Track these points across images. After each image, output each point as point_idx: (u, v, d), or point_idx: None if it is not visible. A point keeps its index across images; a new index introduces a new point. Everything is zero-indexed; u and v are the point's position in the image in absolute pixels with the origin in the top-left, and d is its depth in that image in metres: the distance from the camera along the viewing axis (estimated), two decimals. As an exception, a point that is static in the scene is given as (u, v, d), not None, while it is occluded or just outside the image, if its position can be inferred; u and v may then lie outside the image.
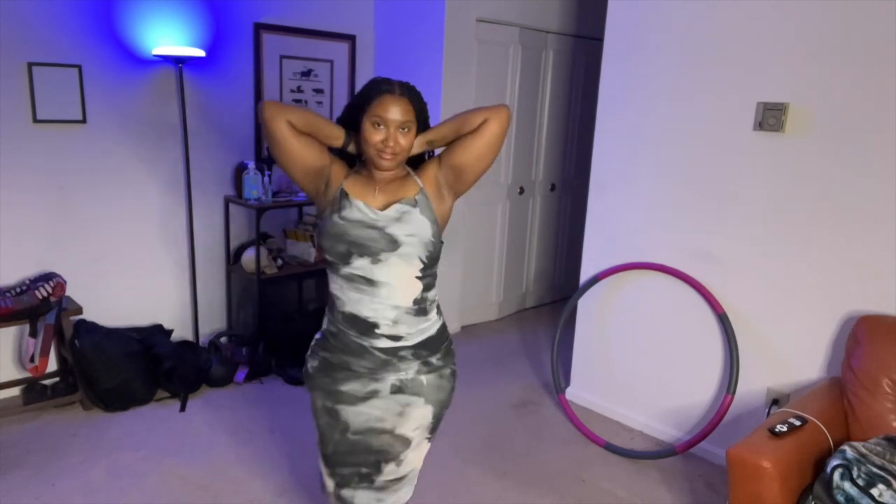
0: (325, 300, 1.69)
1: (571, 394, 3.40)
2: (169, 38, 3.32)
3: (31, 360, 2.99)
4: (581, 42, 4.59)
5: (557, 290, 5.05)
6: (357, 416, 1.62)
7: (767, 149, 2.59)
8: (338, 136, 1.60)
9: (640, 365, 3.11)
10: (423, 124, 1.59)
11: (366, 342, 1.58)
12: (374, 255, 1.53)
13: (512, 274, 4.66)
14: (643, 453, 2.90)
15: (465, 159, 1.59)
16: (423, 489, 2.32)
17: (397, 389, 1.61)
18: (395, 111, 1.50)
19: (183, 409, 3.15)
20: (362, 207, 1.54)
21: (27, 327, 2.99)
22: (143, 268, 3.48)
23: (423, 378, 1.63)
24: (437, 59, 3.79)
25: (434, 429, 1.70)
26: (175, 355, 3.25)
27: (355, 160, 1.65)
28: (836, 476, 1.80)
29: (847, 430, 2.19)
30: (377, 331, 1.57)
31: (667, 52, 2.85)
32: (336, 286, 1.60)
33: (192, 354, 3.35)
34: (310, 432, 2.94)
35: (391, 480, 1.68)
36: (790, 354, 2.62)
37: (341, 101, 4.10)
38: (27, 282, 3.00)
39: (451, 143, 1.61)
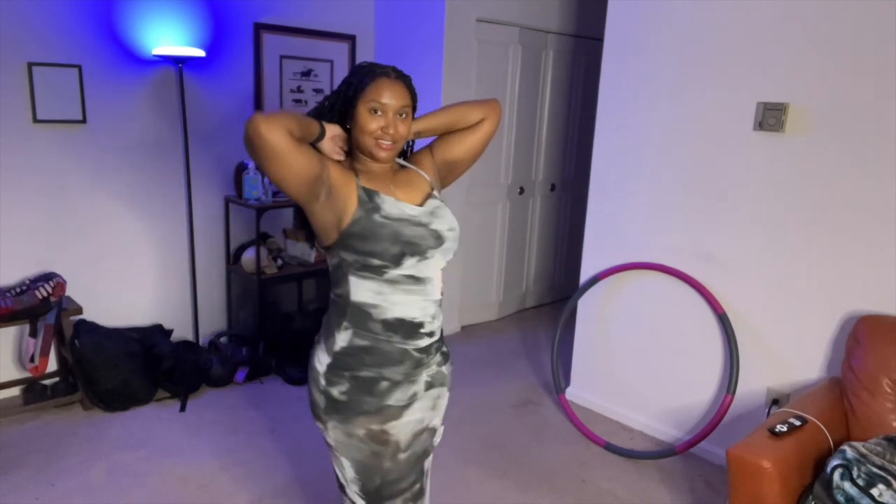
0: (330, 323, 1.51)
1: (571, 394, 3.40)
2: (169, 38, 3.32)
3: (31, 360, 2.99)
4: (581, 42, 4.59)
5: (557, 290, 5.05)
6: (405, 428, 1.52)
7: (767, 149, 2.59)
8: (314, 131, 1.40)
9: (640, 365, 3.11)
10: (414, 112, 1.52)
11: (408, 345, 1.49)
12: (422, 253, 1.45)
13: (512, 274, 4.66)
14: (643, 453, 2.90)
15: (461, 155, 1.58)
16: (423, 489, 2.32)
17: (429, 385, 1.56)
18: (394, 95, 1.41)
19: (183, 409, 3.15)
20: (397, 204, 1.45)
21: (27, 327, 2.99)
22: (143, 268, 3.48)
23: (444, 368, 1.61)
24: (437, 59, 3.80)
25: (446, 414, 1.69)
26: (175, 355, 3.25)
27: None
28: (836, 476, 1.80)
29: (847, 430, 2.19)
30: (421, 330, 1.50)
31: (667, 52, 2.85)
32: (368, 293, 1.45)
33: (192, 354, 3.35)
34: (310, 432, 2.96)
35: (427, 479, 1.64)
36: (790, 354, 2.62)
37: (341, 101, 4.10)
38: (27, 282, 3.00)
39: (441, 137, 1.59)
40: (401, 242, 1.41)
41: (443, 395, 1.61)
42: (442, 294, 1.57)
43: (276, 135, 1.25)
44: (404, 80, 1.46)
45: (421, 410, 1.54)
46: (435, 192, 1.55)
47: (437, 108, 1.59)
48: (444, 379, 1.61)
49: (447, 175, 1.63)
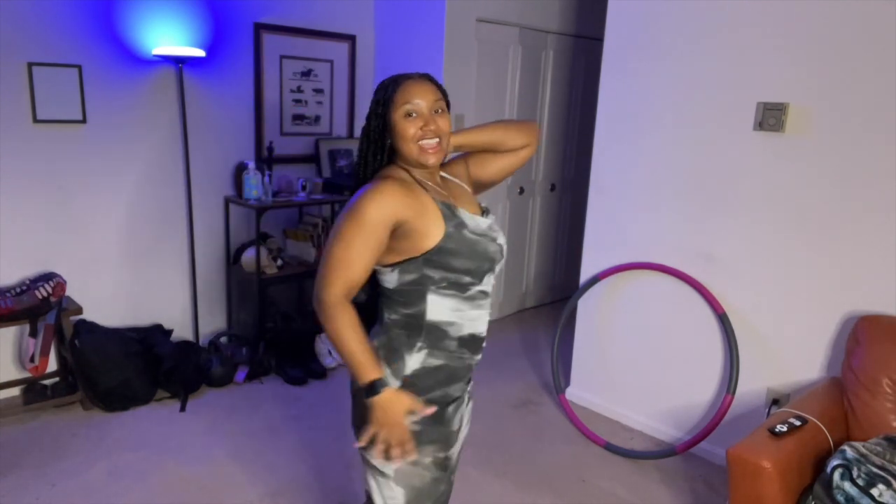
0: (398, 343, 1.41)
1: (571, 394, 3.40)
2: (169, 38, 3.32)
3: (31, 360, 2.99)
4: (581, 42, 4.59)
5: (557, 290, 5.05)
6: (457, 448, 1.52)
7: (767, 149, 2.59)
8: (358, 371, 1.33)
9: (640, 365, 3.11)
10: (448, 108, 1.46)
11: (473, 360, 1.49)
12: (493, 269, 1.43)
13: (512, 274, 4.66)
14: (643, 453, 2.90)
15: (496, 177, 1.56)
16: (423, 489, 2.32)
17: (469, 398, 1.57)
18: (423, 93, 1.37)
19: (183, 409, 3.15)
20: (473, 218, 1.41)
21: (27, 327, 2.99)
22: (143, 268, 3.48)
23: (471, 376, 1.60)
24: (437, 59, 3.79)
25: None
26: (175, 355, 3.25)
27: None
28: (836, 476, 1.80)
29: (847, 430, 2.19)
30: (483, 344, 1.49)
31: (667, 52, 2.85)
32: (447, 311, 1.39)
33: (192, 354, 3.35)
34: (310, 432, 2.96)
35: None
36: (790, 354, 2.62)
37: (341, 101, 4.10)
38: (27, 282, 3.00)
39: (479, 153, 1.55)
40: (487, 259, 1.39)
41: (470, 405, 1.61)
42: None
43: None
44: (429, 78, 1.42)
45: (464, 424, 1.56)
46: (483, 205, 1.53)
47: (480, 125, 1.56)
48: (471, 389, 1.60)
49: (476, 190, 1.59)
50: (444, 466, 1.47)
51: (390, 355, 1.40)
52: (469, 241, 1.36)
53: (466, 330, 1.42)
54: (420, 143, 1.35)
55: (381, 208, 1.29)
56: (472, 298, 1.41)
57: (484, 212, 1.50)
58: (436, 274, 1.35)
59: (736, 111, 2.65)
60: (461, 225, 1.36)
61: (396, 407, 1.31)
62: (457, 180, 1.52)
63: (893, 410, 2.13)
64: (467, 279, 1.38)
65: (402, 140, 1.36)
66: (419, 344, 1.40)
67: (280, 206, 3.59)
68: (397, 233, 1.32)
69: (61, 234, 3.19)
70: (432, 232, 1.33)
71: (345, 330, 1.29)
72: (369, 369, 1.30)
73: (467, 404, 1.55)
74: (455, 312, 1.40)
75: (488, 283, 1.44)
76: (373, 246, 1.30)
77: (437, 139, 1.37)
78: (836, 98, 2.40)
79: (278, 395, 3.35)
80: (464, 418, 1.54)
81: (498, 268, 1.46)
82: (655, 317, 3.02)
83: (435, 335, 1.40)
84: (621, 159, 3.07)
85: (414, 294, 1.38)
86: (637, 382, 3.13)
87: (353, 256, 1.30)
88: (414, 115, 1.36)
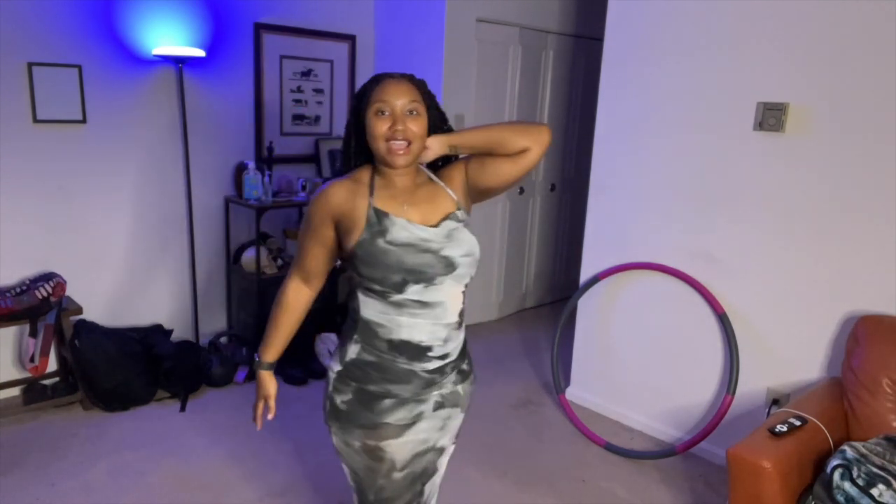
0: (346, 327, 1.49)
1: (571, 394, 3.40)
2: (169, 38, 3.32)
3: (31, 360, 2.99)
4: (581, 42, 4.59)
5: (557, 290, 5.05)
6: (403, 447, 1.47)
7: (767, 149, 2.59)
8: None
9: (639, 365, 3.11)
10: (433, 114, 1.43)
11: (416, 367, 1.43)
12: (429, 280, 1.38)
13: (512, 274, 4.66)
14: (643, 453, 2.90)
15: (495, 184, 1.46)
16: (423, 489, 2.32)
17: (439, 405, 1.49)
18: (398, 93, 1.35)
19: (183, 409, 3.15)
20: (408, 226, 1.36)
21: (27, 327, 2.99)
22: (144, 268, 3.48)
23: (460, 388, 1.54)
24: (437, 59, 3.80)
25: (459, 432, 1.63)
26: (175, 355, 3.25)
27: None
28: (836, 476, 1.80)
29: (847, 430, 2.19)
30: (430, 353, 1.43)
31: (667, 52, 2.84)
32: (376, 312, 1.41)
33: (192, 354, 3.35)
34: (310, 432, 2.96)
35: (430, 496, 1.59)
36: (790, 354, 2.62)
37: (341, 101, 4.10)
38: (27, 282, 3.00)
39: (478, 157, 1.46)
40: (403, 270, 1.35)
41: (454, 415, 1.54)
42: (459, 316, 1.49)
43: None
44: (412, 79, 1.40)
45: (426, 431, 1.49)
46: (458, 212, 1.44)
47: (481, 125, 1.50)
48: (458, 399, 1.53)
49: (476, 197, 1.51)
50: (378, 458, 1.46)
51: (341, 340, 1.50)
52: (379, 251, 1.35)
53: (397, 335, 1.41)
54: (389, 143, 1.35)
55: (318, 205, 1.42)
56: (399, 305, 1.39)
57: (444, 219, 1.41)
58: (355, 276, 1.41)
59: (736, 111, 2.65)
60: (380, 234, 1.35)
61: (262, 385, 1.60)
62: (441, 183, 1.48)
63: (893, 410, 2.12)
64: (377, 287, 1.38)
65: (371, 138, 1.38)
66: (356, 337, 1.45)
67: (280, 206, 3.59)
68: (338, 229, 1.42)
69: (61, 234, 3.19)
70: (353, 236, 1.38)
71: (275, 308, 1.54)
72: (265, 347, 1.57)
73: (435, 410, 1.48)
74: (382, 315, 1.41)
75: (424, 294, 1.38)
76: (317, 238, 1.44)
77: (406, 142, 1.35)
78: (836, 98, 2.40)
79: (278, 395, 3.33)
80: (424, 424, 1.47)
81: (445, 280, 1.39)
82: (655, 317, 3.02)
83: (367, 332, 1.43)
84: (621, 159, 3.07)
85: (354, 289, 1.45)
86: (637, 382, 3.13)
87: (304, 245, 1.47)
88: (385, 113, 1.36)
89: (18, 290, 2.94)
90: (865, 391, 2.17)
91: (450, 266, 1.39)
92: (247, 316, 3.72)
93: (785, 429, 1.96)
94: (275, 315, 1.54)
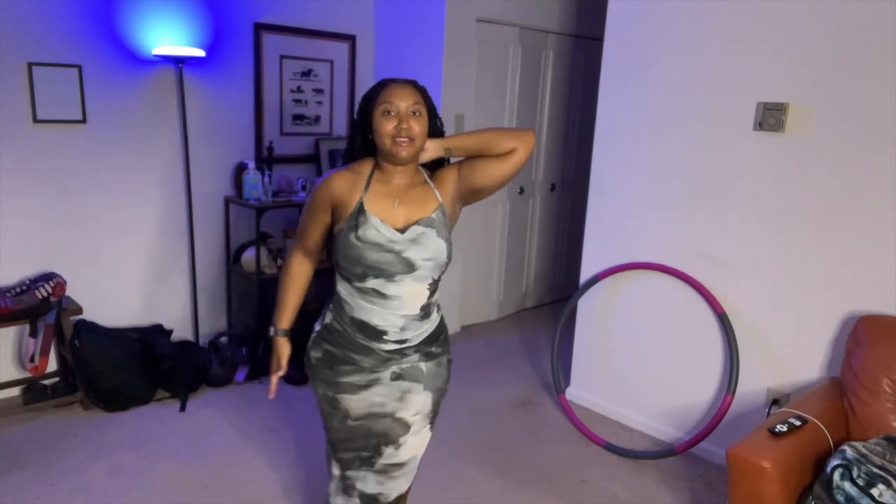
0: (328, 295, 1.70)
1: (571, 394, 3.40)
2: (169, 38, 3.32)
3: (31, 360, 2.99)
4: (581, 42, 4.59)
5: (557, 290, 5.05)
6: (358, 403, 1.67)
7: (767, 149, 2.59)
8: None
9: (640, 365, 3.11)
10: (432, 118, 1.58)
11: (373, 345, 1.62)
12: (389, 276, 1.55)
13: (512, 274, 4.66)
14: (643, 453, 2.90)
15: (486, 183, 1.60)
16: (423, 489, 2.33)
17: (397, 376, 1.66)
18: (403, 95, 1.51)
19: (183, 409, 3.15)
20: (380, 227, 1.53)
21: (27, 327, 2.99)
22: (144, 268, 3.49)
23: (423, 365, 1.68)
24: (437, 59, 3.80)
25: (434, 417, 1.75)
26: (175, 355, 3.26)
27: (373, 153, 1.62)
28: (836, 476, 1.80)
29: (847, 430, 2.19)
30: (385, 337, 1.61)
31: (667, 52, 2.84)
32: (345, 291, 1.62)
33: (192, 354, 3.35)
34: (310, 432, 2.96)
35: (391, 465, 1.70)
36: (790, 354, 2.62)
37: (341, 101, 4.10)
38: (27, 282, 3.00)
39: (470, 159, 1.61)
40: (363, 265, 1.54)
41: (414, 389, 1.68)
42: (433, 305, 1.67)
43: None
44: (414, 84, 1.56)
45: (382, 395, 1.66)
46: (433, 215, 1.58)
47: (472, 130, 1.65)
48: (418, 375, 1.68)
49: (470, 197, 1.66)
50: (334, 406, 1.69)
51: (326, 304, 1.70)
52: (348, 244, 1.53)
53: (357, 315, 1.61)
54: (394, 139, 1.50)
55: (321, 191, 1.59)
56: (361, 291, 1.58)
57: (418, 223, 1.55)
58: (332, 256, 1.61)
59: (736, 111, 2.65)
60: (354, 228, 1.53)
61: (277, 347, 1.79)
62: (431, 184, 1.62)
63: (893, 410, 2.12)
64: (344, 272, 1.59)
65: (377, 135, 1.53)
66: (331, 306, 1.68)
67: (280, 206, 3.59)
68: (334, 214, 1.60)
69: (61, 234, 3.19)
70: (339, 224, 1.58)
71: (283, 278, 1.74)
72: (279, 316, 1.75)
73: (393, 380, 1.66)
74: (348, 295, 1.61)
75: (383, 287, 1.56)
76: (316, 218, 1.62)
77: (410, 139, 1.51)
78: (836, 98, 2.40)
79: (278, 394, 3.33)
80: (378, 388, 1.65)
81: (405, 279, 1.55)
82: (655, 317, 3.02)
83: (338, 306, 1.65)
84: (621, 159, 3.07)
85: (333, 266, 1.64)
86: (637, 382, 3.13)
87: (305, 224, 1.66)
88: (391, 113, 1.51)
89: (18, 289, 2.94)
90: (865, 391, 2.17)
91: (410, 267, 1.55)
92: (247, 316, 3.72)
93: (785, 429, 1.96)
94: (283, 284, 1.74)
